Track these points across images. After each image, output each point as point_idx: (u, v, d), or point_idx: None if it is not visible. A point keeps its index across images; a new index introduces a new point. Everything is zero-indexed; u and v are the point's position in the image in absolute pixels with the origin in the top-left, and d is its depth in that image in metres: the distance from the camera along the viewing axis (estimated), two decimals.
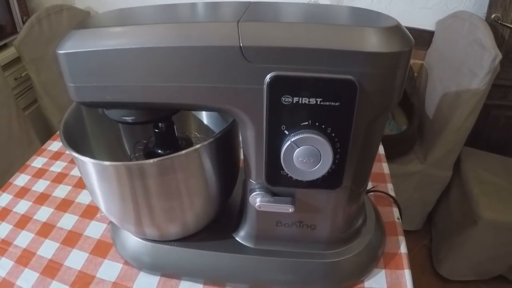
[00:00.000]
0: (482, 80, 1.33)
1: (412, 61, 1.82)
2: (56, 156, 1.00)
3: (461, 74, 1.44)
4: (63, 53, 0.44)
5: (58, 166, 0.96)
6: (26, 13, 1.92)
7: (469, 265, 1.61)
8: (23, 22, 1.86)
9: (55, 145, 1.04)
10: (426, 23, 1.75)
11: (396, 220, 0.75)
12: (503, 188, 1.52)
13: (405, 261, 0.66)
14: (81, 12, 2.02)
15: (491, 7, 1.59)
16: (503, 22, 1.56)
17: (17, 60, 1.78)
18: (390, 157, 0.98)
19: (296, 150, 0.45)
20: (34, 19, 1.71)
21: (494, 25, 1.57)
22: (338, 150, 0.47)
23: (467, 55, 1.42)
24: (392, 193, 0.81)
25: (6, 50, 1.80)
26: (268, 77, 0.42)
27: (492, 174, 1.58)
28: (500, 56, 1.27)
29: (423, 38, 1.76)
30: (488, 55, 1.29)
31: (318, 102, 0.43)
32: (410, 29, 1.47)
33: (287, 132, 0.46)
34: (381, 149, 0.96)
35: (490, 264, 1.59)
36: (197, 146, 0.50)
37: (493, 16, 1.58)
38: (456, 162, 1.63)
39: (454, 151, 1.57)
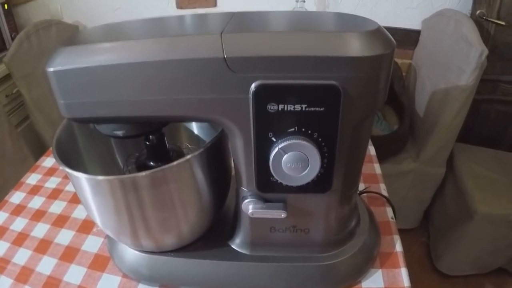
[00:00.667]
0: (470, 76, 1.35)
1: (400, 60, 1.83)
2: (50, 172, 1.00)
3: (449, 71, 1.45)
4: (52, 70, 0.45)
5: (52, 182, 0.96)
6: (14, 29, 1.92)
7: (468, 260, 1.62)
8: (12, 39, 1.87)
9: (48, 161, 1.04)
10: (412, 23, 1.77)
11: (390, 219, 0.76)
12: (497, 181, 1.53)
13: (401, 260, 0.67)
14: (69, 26, 2.02)
15: (475, 4, 1.62)
16: (488, 18, 1.58)
17: (7, 77, 1.78)
18: (382, 157, 0.99)
19: (284, 156, 0.46)
20: (23, 35, 1.71)
21: (479, 21, 1.60)
22: (326, 154, 0.48)
23: (454, 52, 1.44)
24: (385, 193, 0.82)
25: None
26: (253, 86, 0.43)
27: (485, 168, 1.59)
28: (486, 52, 1.29)
29: (409, 37, 1.78)
30: (475, 51, 1.30)
31: (303, 109, 0.44)
32: (397, 29, 1.48)
33: (274, 139, 0.47)
34: (372, 150, 0.96)
35: (489, 257, 1.59)
36: (188, 156, 0.51)
37: (478, 12, 1.60)
38: (449, 158, 1.65)
39: (446, 147, 1.59)
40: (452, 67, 1.43)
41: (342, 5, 1.82)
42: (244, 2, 1.93)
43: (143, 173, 0.49)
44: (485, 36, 1.61)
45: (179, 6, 1.99)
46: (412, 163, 1.65)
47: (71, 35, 0.51)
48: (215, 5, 1.95)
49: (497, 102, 1.75)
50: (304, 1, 1.69)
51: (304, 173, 0.47)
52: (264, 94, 0.43)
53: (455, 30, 1.46)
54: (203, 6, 1.96)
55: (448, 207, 1.68)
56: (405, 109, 1.67)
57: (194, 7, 1.97)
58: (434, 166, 1.64)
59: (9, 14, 1.88)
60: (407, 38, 1.79)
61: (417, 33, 1.77)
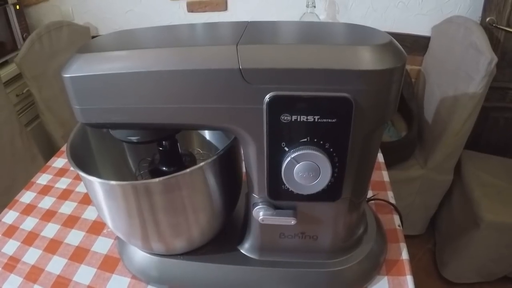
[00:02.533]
0: (479, 84, 1.34)
1: (409, 67, 1.83)
2: (61, 173, 1.01)
3: (458, 78, 1.45)
4: (69, 76, 0.46)
5: (63, 183, 0.97)
6: (26, 29, 1.94)
7: (474, 268, 1.62)
8: (24, 39, 1.88)
9: (59, 162, 1.05)
10: (422, 29, 1.77)
11: (397, 227, 0.76)
12: (504, 189, 1.53)
13: (407, 267, 0.67)
14: (80, 28, 2.04)
15: (485, 11, 1.61)
16: (497, 25, 1.58)
17: (18, 77, 1.80)
18: (390, 163, 0.99)
19: (296, 166, 0.47)
20: (34, 35, 1.72)
21: (489, 28, 1.59)
22: (337, 164, 0.48)
23: (464, 59, 1.43)
24: (392, 200, 0.82)
25: (7, 67, 1.82)
26: (267, 97, 0.44)
27: (492, 176, 1.59)
28: (495, 60, 1.28)
29: (419, 44, 1.78)
30: (484, 59, 1.30)
31: (316, 120, 0.45)
32: (406, 36, 1.48)
33: (287, 149, 0.47)
34: (380, 157, 0.97)
35: (494, 265, 1.59)
36: (201, 164, 0.52)
37: (487, 19, 1.60)
38: (457, 166, 1.64)
39: (454, 154, 1.58)
40: (462, 74, 1.43)
41: (352, 11, 1.82)
42: (255, 7, 1.94)
43: (157, 180, 0.50)
44: (495, 43, 1.61)
45: (190, 9, 1.99)
46: (419, 170, 1.65)
47: (86, 42, 0.52)
48: (225, 9, 1.96)
49: (506, 110, 1.75)
50: (315, 7, 1.70)
51: (315, 182, 0.48)
52: (278, 105, 0.44)
53: (464, 37, 1.46)
54: (214, 10, 1.97)
55: (455, 215, 1.68)
56: (413, 115, 1.67)
57: (205, 11, 1.98)
58: (442, 173, 1.64)
59: (20, 15, 1.89)
60: (417, 44, 1.79)
61: (426, 39, 1.77)
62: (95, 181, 0.52)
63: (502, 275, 1.64)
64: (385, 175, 0.90)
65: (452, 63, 1.52)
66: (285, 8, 1.90)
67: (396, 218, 0.78)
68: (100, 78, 0.45)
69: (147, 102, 0.46)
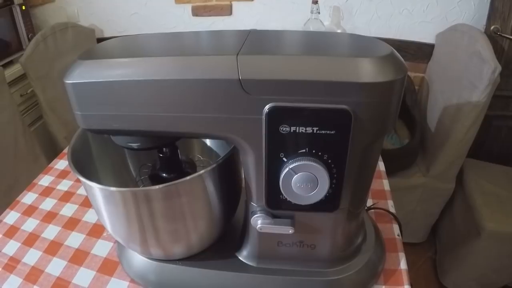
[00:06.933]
0: (482, 93, 1.34)
1: (413, 74, 1.83)
2: (63, 174, 1.01)
3: (461, 86, 1.45)
4: (70, 83, 0.46)
5: (64, 185, 0.97)
6: (31, 30, 1.94)
7: (474, 277, 1.61)
8: (29, 39, 1.89)
9: (61, 163, 1.06)
10: (426, 36, 1.77)
11: (396, 236, 0.76)
12: (506, 199, 1.52)
13: (405, 277, 0.67)
14: (85, 29, 2.04)
15: (490, 19, 1.61)
16: (502, 34, 1.57)
17: (22, 77, 1.80)
18: (392, 171, 0.98)
19: (294, 177, 0.47)
20: (39, 36, 1.73)
21: (493, 37, 1.59)
22: (335, 176, 0.48)
23: (467, 67, 1.43)
24: (392, 209, 0.82)
25: (12, 67, 1.82)
26: (266, 107, 0.44)
27: (494, 185, 1.58)
28: (499, 68, 1.28)
29: (423, 51, 1.78)
30: (488, 67, 1.30)
31: (315, 131, 0.45)
32: (410, 43, 1.48)
33: (285, 159, 0.48)
34: (381, 166, 0.96)
35: (494, 275, 1.58)
36: (201, 172, 0.52)
37: (492, 27, 1.60)
38: (459, 174, 1.64)
39: (456, 163, 1.58)
40: (465, 83, 1.43)
41: (357, 18, 1.82)
42: (259, 12, 1.94)
43: (156, 187, 0.51)
44: (499, 51, 1.60)
45: (195, 13, 2.00)
46: (421, 178, 1.64)
47: (89, 48, 0.52)
48: (230, 13, 1.96)
49: (509, 119, 1.75)
50: (319, 13, 1.70)
51: (313, 193, 0.48)
52: (277, 116, 0.44)
53: (468, 45, 1.46)
54: (219, 14, 1.97)
55: (456, 223, 1.68)
56: (416, 123, 1.67)
57: (210, 15, 1.98)
58: (444, 181, 1.64)
59: (26, 15, 1.90)
60: (421, 52, 1.79)
61: (430, 47, 1.77)
62: (95, 186, 0.52)
63: (502, 284, 1.63)
64: (385, 184, 0.90)
65: (456, 71, 1.52)
66: (290, 14, 1.91)
67: (396, 228, 0.78)
68: (102, 85, 0.46)
69: (148, 110, 0.47)
